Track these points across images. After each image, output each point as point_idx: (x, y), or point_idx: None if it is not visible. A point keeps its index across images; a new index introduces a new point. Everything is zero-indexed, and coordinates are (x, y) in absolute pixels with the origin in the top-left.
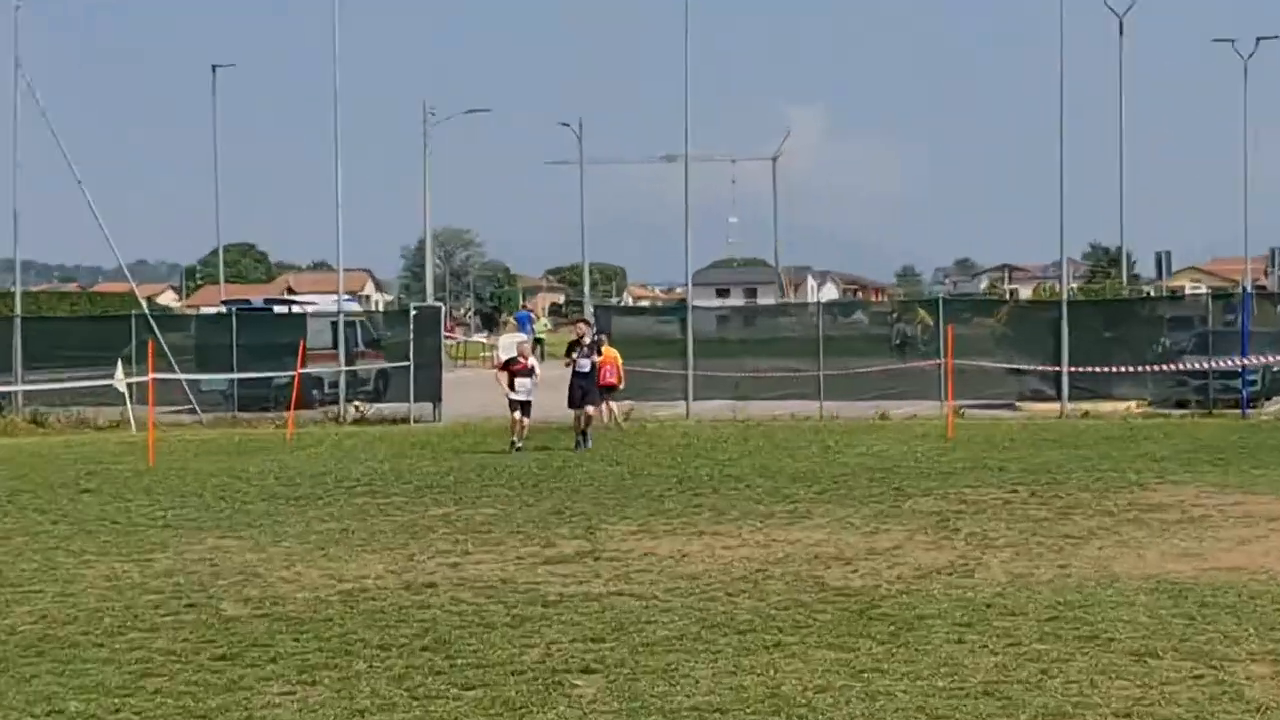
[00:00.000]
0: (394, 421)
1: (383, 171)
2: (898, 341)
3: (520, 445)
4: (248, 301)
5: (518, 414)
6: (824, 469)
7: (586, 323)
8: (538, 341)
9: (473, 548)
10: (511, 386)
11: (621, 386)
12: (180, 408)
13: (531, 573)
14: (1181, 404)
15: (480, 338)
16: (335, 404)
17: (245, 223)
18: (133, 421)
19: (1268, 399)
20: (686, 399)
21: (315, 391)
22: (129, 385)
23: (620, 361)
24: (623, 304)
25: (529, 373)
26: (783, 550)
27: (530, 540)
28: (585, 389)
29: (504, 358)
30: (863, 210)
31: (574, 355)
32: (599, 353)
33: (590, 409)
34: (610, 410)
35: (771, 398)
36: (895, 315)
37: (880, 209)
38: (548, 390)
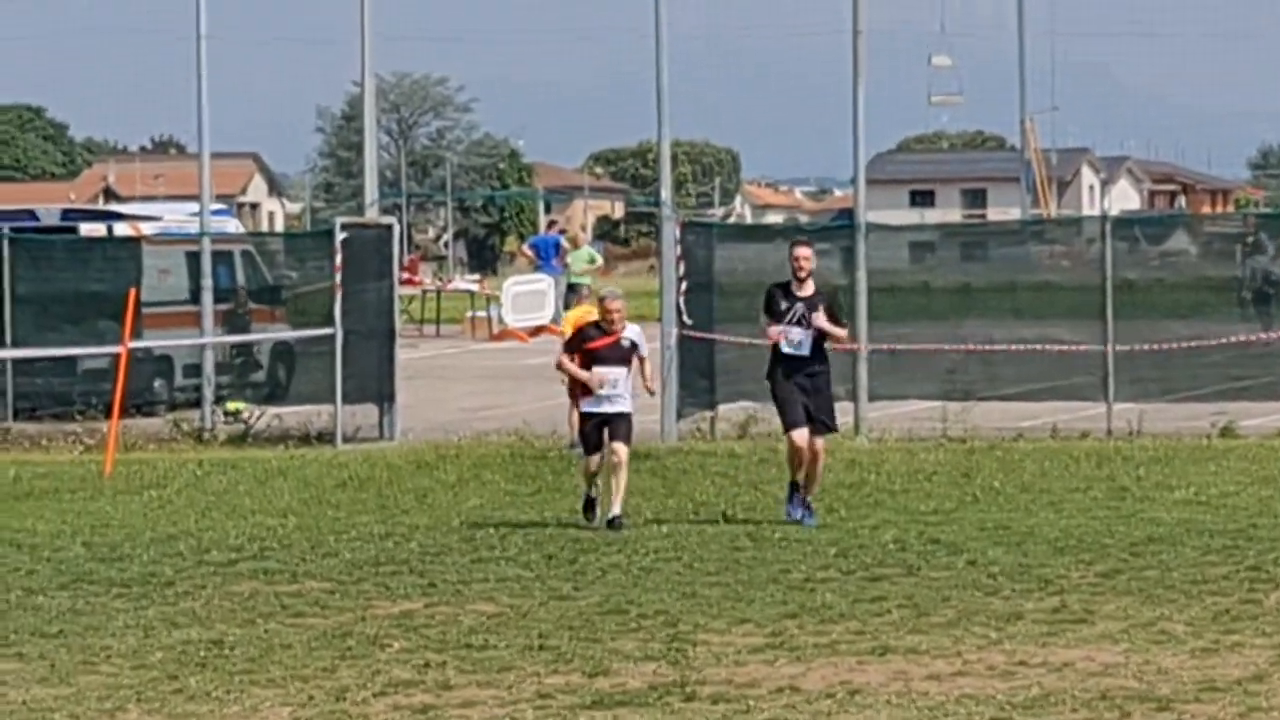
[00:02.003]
0: (305, 440)
1: None
2: (1253, 291)
3: (619, 514)
4: (29, 214)
5: (599, 443)
6: (1115, 530)
7: (805, 245)
8: (574, 289)
9: (458, 677)
10: (586, 389)
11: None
12: None
13: None
14: None
15: (468, 283)
16: (196, 407)
17: (25, 72)
18: None
19: None
20: (855, 398)
21: (159, 384)
22: None
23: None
24: (733, 218)
25: (625, 354)
26: (1040, 684)
27: (564, 662)
28: (811, 392)
29: (537, 319)
30: (1187, 46)
31: (783, 316)
32: (826, 312)
33: (819, 444)
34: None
35: (1016, 395)
36: (1250, 240)
37: (1218, 43)
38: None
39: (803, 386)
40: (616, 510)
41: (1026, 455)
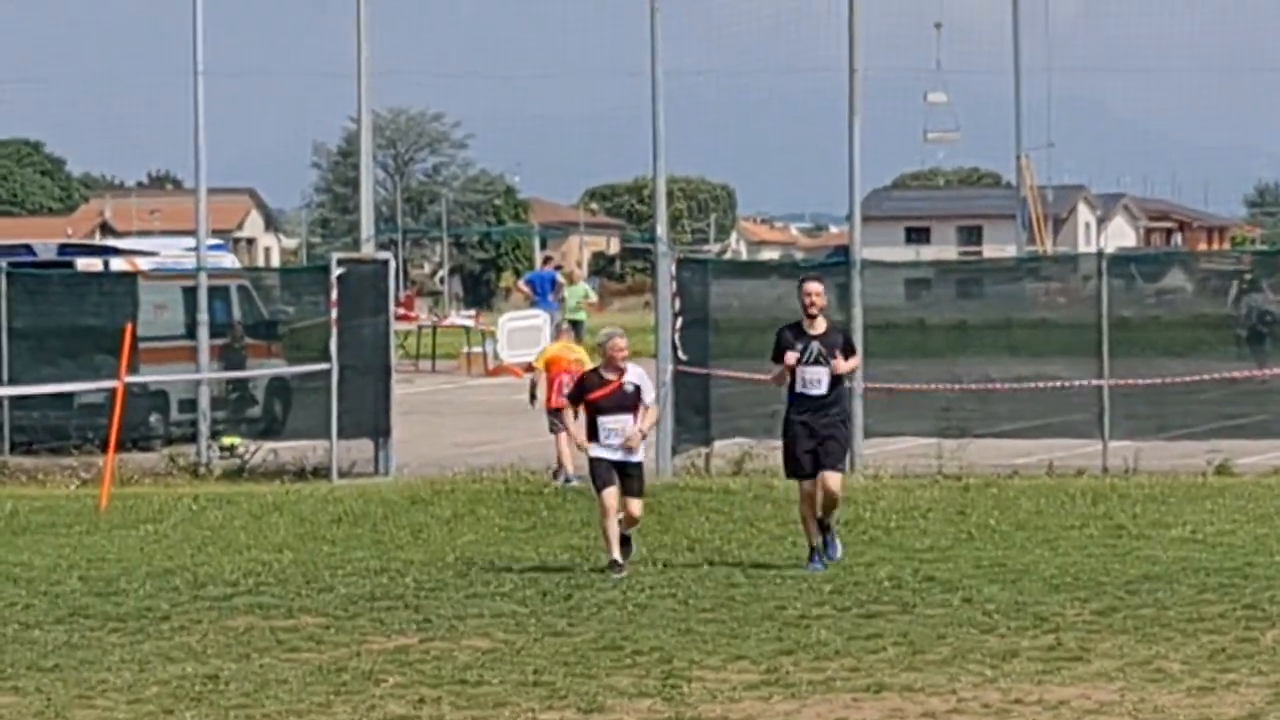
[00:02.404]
0: (300, 475)
1: (277, 12)
2: (1248, 329)
3: (620, 561)
4: (26, 248)
5: (612, 490)
6: (1111, 568)
7: (815, 281)
8: (571, 325)
9: (452, 713)
10: (594, 435)
11: None
12: None
13: None
14: None
15: (463, 319)
16: (192, 442)
17: (20, 105)
18: None
19: None
20: (850, 435)
21: (155, 418)
22: None
23: (587, 368)
24: (728, 254)
25: (630, 401)
26: None
27: (559, 698)
28: (822, 436)
29: (532, 355)
30: (1183, 81)
31: (798, 356)
32: (843, 353)
33: (832, 479)
34: (563, 450)
35: (1011, 433)
36: (1247, 278)
37: (1214, 79)
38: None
39: (813, 429)
40: (617, 555)
41: (1022, 492)
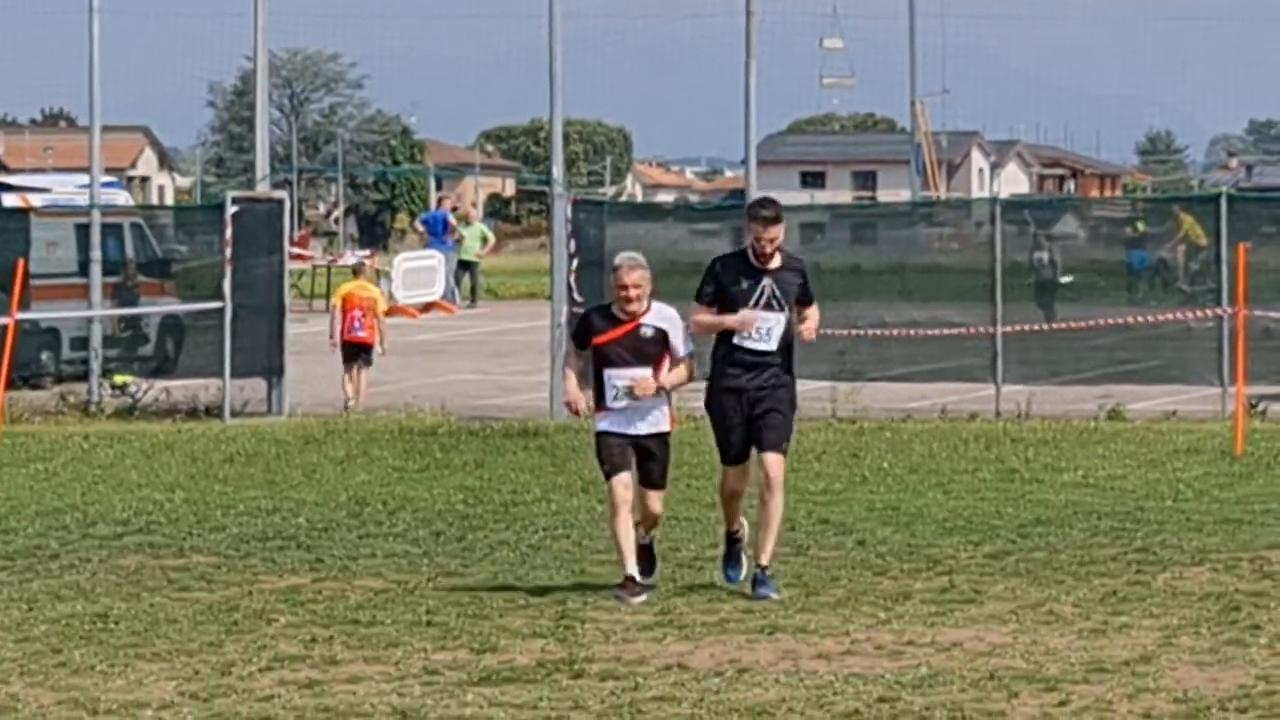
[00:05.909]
0: (192, 414)
1: None
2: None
3: (636, 579)
4: None
5: (623, 477)
6: (1003, 511)
7: (767, 219)
8: (465, 267)
9: (344, 652)
10: (600, 396)
11: (383, 350)
12: None
13: (454, 702)
14: None
15: (357, 258)
16: (84, 380)
17: None
18: None
19: None
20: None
21: (46, 356)
22: None
23: (379, 306)
24: (624, 197)
25: (650, 349)
26: (929, 663)
27: (452, 639)
28: (760, 408)
29: (427, 295)
30: (1076, 31)
31: (745, 298)
32: (800, 291)
33: (773, 463)
34: (359, 381)
35: (904, 376)
36: (1136, 224)
37: (1107, 29)
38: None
39: (746, 396)
40: (632, 569)
41: (915, 436)
